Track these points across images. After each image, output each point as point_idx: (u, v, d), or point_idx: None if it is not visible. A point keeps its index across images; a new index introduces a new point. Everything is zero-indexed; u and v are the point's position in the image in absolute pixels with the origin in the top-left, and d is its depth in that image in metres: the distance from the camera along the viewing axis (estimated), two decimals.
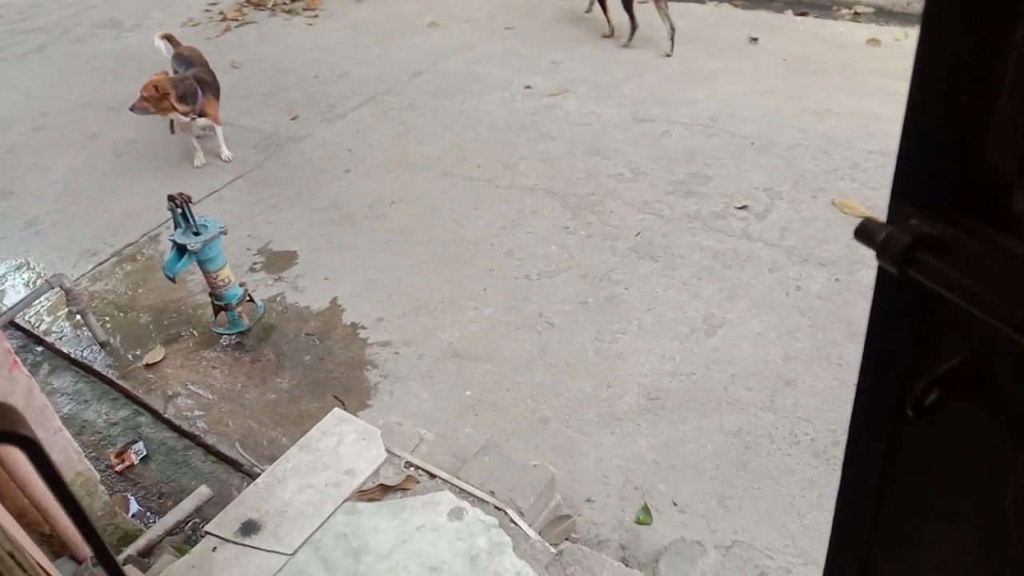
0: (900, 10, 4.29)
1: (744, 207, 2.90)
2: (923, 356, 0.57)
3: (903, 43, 3.94)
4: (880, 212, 2.66)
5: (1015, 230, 0.47)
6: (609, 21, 4.39)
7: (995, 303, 0.47)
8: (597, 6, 4.40)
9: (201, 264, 2.38)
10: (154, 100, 3.34)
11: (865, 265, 2.54)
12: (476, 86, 4.06)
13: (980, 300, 0.47)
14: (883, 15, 4.31)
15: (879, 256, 0.52)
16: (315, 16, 5.27)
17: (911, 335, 0.58)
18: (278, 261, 2.98)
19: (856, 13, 4.34)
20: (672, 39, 4.06)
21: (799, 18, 4.38)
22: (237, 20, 5.33)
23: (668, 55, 4.07)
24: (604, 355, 2.34)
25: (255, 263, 2.98)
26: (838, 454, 1.98)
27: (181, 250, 2.32)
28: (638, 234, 2.85)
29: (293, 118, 3.99)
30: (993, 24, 0.46)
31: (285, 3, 5.48)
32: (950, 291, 0.49)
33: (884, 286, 0.58)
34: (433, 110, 3.91)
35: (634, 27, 4.20)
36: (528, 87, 3.98)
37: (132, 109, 3.42)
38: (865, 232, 0.52)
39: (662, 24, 4.04)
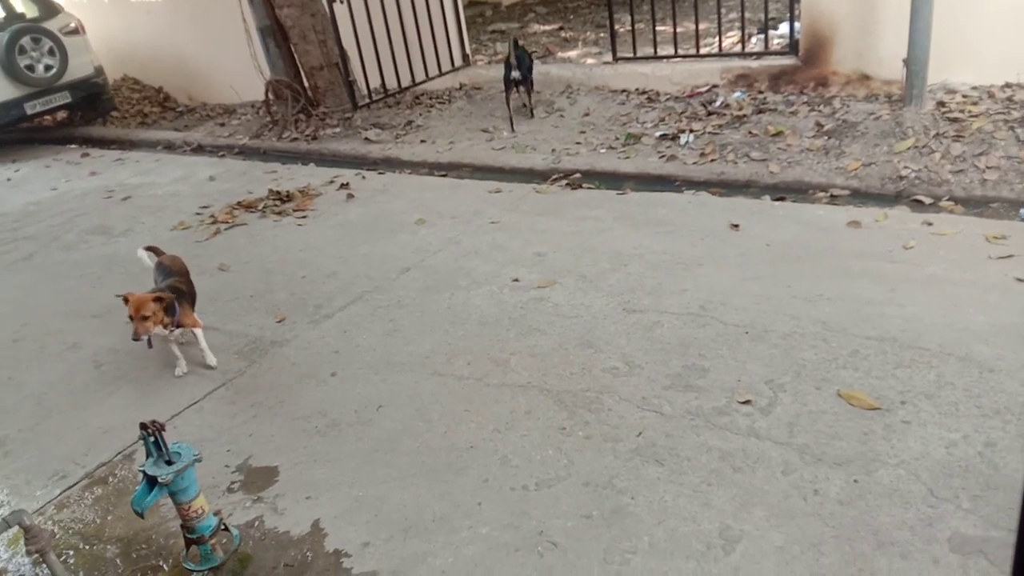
0: (876, 191, 4.41)
1: (747, 401, 2.78)
2: None
3: (883, 224, 4.01)
4: (888, 403, 2.54)
5: None
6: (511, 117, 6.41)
7: None
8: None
9: (172, 495, 2.20)
10: (148, 321, 3.23)
11: (883, 464, 2.40)
12: (463, 281, 4.06)
13: None
14: (859, 196, 4.43)
15: None
16: (304, 217, 5.38)
17: None
18: (257, 479, 2.79)
19: (832, 196, 4.46)
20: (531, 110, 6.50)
21: (777, 203, 4.49)
22: (227, 223, 5.43)
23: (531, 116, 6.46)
24: None
25: (233, 482, 2.79)
26: None
27: (151, 481, 2.15)
28: (639, 434, 2.71)
29: (279, 320, 3.94)
30: None
31: (275, 205, 5.62)
32: None
33: None
34: (421, 307, 3.87)
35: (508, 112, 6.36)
36: (516, 280, 3.97)
37: (135, 339, 3.27)
38: None
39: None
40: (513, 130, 6.38)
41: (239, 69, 8.26)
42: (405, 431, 2.94)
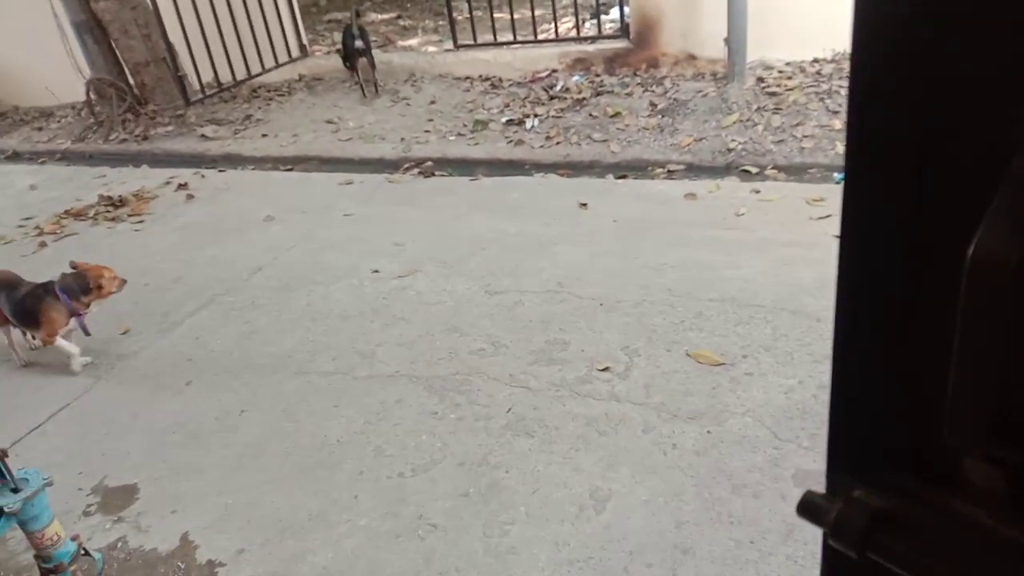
0: (708, 164, 4.72)
1: (606, 369, 2.92)
2: None
3: (716, 194, 4.31)
4: (732, 358, 2.75)
5: (967, 493, 0.44)
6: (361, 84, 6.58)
7: None
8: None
9: (23, 524, 2.04)
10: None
11: (731, 414, 2.60)
12: (321, 276, 3.99)
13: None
14: (693, 170, 4.72)
15: (831, 537, 0.47)
16: (142, 222, 5.08)
17: None
18: (116, 499, 2.64)
19: (670, 171, 4.73)
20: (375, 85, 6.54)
21: (620, 181, 4.71)
22: (55, 234, 5.03)
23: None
24: (495, 552, 2.19)
25: (89, 505, 2.62)
26: None
27: None
28: (509, 410, 2.79)
29: (124, 332, 3.71)
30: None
31: (108, 211, 5.26)
32: (914, 572, 0.44)
33: (834, 567, 0.52)
34: (278, 306, 3.77)
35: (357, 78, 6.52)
36: (375, 271, 3.95)
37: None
38: (810, 509, 0.47)
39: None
40: (364, 95, 6.66)
41: (54, 68, 7.60)
42: (272, 433, 2.87)
